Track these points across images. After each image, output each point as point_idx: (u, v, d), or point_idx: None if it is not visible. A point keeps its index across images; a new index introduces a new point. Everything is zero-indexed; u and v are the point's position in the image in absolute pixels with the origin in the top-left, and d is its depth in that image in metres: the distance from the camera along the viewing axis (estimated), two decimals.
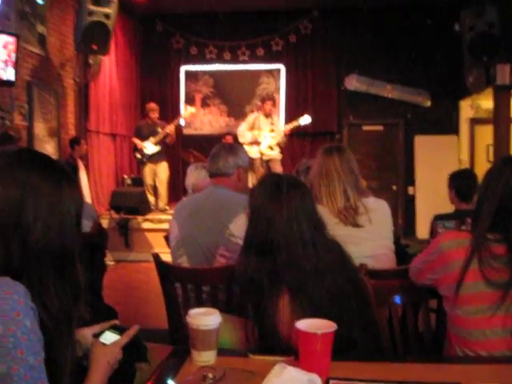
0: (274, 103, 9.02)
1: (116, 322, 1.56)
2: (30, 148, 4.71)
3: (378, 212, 2.69)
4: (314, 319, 1.56)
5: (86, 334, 1.48)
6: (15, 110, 6.35)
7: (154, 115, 8.57)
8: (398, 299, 2.07)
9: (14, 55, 5.80)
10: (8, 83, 5.89)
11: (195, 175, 4.09)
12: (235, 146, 3.04)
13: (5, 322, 1.08)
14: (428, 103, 9.77)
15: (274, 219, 1.71)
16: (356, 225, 2.59)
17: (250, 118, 8.52)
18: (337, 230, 2.55)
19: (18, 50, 5.92)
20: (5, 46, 5.71)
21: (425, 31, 9.35)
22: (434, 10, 8.96)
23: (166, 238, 3.31)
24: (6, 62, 5.72)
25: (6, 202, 1.20)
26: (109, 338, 1.48)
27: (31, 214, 1.21)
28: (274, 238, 1.70)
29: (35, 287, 1.17)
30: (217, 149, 2.94)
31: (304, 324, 1.53)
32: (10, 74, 5.80)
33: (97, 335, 1.49)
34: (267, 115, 8.37)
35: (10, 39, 5.80)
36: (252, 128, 8.31)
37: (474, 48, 6.74)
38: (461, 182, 3.69)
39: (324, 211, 2.60)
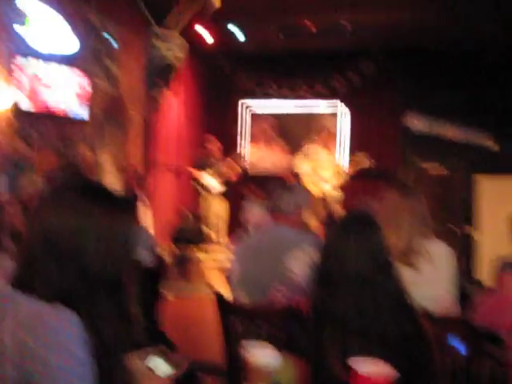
0: (334, 138, 8.99)
1: (163, 347, 1.56)
2: (89, 178, 4.91)
3: (440, 256, 2.67)
4: (370, 359, 1.54)
5: (135, 360, 1.46)
6: (84, 143, 6.62)
7: (214, 149, 8.74)
8: (458, 345, 2.01)
9: (87, 92, 6.10)
10: (81, 119, 6.18)
11: (252, 211, 4.15)
12: (296, 186, 3.11)
13: (59, 353, 1.13)
14: (493, 145, 9.56)
15: (338, 253, 1.73)
16: (415, 266, 2.56)
17: (309, 150, 8.54)
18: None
19: (91, 87, 6.21)
20: (79, 84, 6.02)
21: (494, 73, 9.22)
22: (502, 51, 8.86)
23: (228, 278, 3.36)
24: (80, 98, 6.01)
25: (63, 229, 1.28)
26: (157, 365, 1.46)
27: (87, 241, 1.27)
28: (335, 270, 1.72)
29: (89, 314, 1.22)
30: (278, 187, 3.00)
31: (361, 364, 1.51)
32: (82, 110, 6.09)
33: (142, 358, 1.47)
34: (329, 153, 8.37)
35: (85, 77, 6.11)
36: (307, 158, 8.31)
37: None
38: None
39: None
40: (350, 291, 1.68)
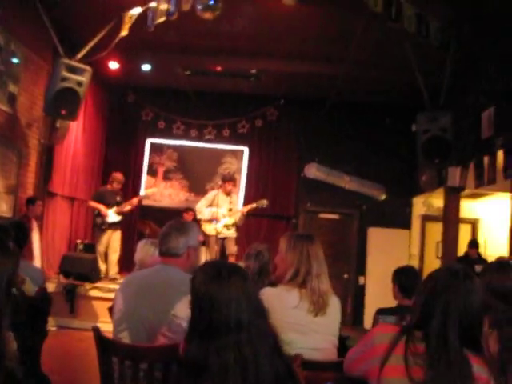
0: (235, 184, 9.18)
1: None
2: None
3: (332, 306, 2.79)
4: None
5: None
6: None
7: (119, 186, 8.66)
8: None
9: None
10: None
11: (144, 251, 4.07)
12: (186, 226, 3.03)
13: None
14: (383, 197, 10.10)
15: (214, 303, 1.75)
16: (322, 312, 2.68)
17: (210, 195, 8.62)
18: (292, 315, 2.66)
19: None
20: None
21: (384, 128, 9.83)
22: (395, 110, 9.46)
23: (110, 310, 3.27)
24: None
25: None
26: None
27: None
28: (213, 321, 1.74)
29: None
30: (168, 228, 2.93)
31: None
32: None
33: None
34: (227, 194, 8.50)
35: None
36: (210, 205, 8.40)
37: (428, 150, 7.07)
38: (403, 277, 3.79)
39: (290, 294, 2.70)
40: (228, 343, 1.70)
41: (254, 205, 8.54)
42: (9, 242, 2.07)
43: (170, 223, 3.00)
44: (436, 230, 9.14)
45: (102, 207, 8.45)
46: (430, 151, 7.08)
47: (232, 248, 8.42)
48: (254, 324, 1.75)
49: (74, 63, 6.97)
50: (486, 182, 6.81)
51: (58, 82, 6.86)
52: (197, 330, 1.77)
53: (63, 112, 7.07)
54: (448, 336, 1.76)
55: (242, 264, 4.58)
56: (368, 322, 9.09)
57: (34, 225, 7.45)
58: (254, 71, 8.92)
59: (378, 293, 8.83)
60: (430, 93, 7.36)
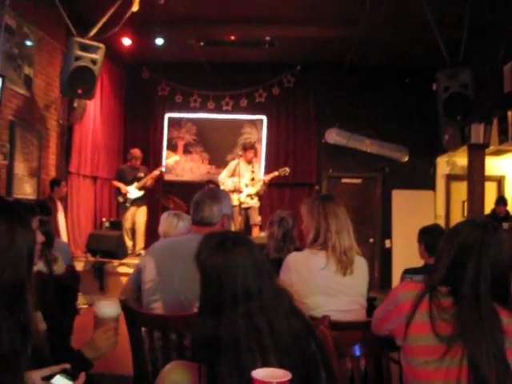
0: (256, 153, 9.15)
1: (66, 365, 1.54)
2: None
3: (359, 267, 2.77)
4: (270, 368, 1.59)
5: (34, 376, 1.45)
6: None
7: (137, 162, 8.71)
8: (357, 351, 2.09)
9: None
10: None
11: (168, 222, 4.07)
12: (219, 194, 2.95)
13: None
14: (406, 158, 9.98)
15: (221, 274, 1.72)
16: (349, 271, 2.67)
17: (231, 165, 8.61)
18: (319, 277, 2.65)
19: (3, 90, 6.00)
20: None
21: (404, 89, 9.66)
22: (414, 70, 9.28)
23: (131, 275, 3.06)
24: None
25: None
26: (59, 382, 1.45)
27: None
28: (221, 293, 1.72)
29: None
30: (201, 196, 2.83)
31: (260, 374, 1.55)
32: None
33: (46, 378, 1.46)
34: (249, 163, 8.48)
35: None
36: (232, 175, 8.40)
37: (449, 108, 6.94)
38: (430, 236, 3.77)
39: (316, 257, 2.69)
40: (236, 314, 1.68)
41: (276, 173, 8.52)
42: (31, 218, 2.08)
43: (202, 192, 2.91)
44: (461, 190, 9.03)
45: (121, 185, 8.53)
46: (451, 109, 6.95)
47: (256, 218, 8.44)
48: (264, 290, 1.73)
49: (86, 41, 6.94)
50: (510, 137, 6.68)
51: (73, 62, 6.85)
52: (207, 304, 1.76)
53: (79, 91, 7.07)
54: (480, 289, 1.74)
55: (266, 232, 4.59)
56: (396, 284, 9.07)
57: (59, 206, 7.53)
58: (268, 38, 8.79)
59: (405, 255, 8.78)
60: (448, 50, 7.18)
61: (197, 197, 2.85)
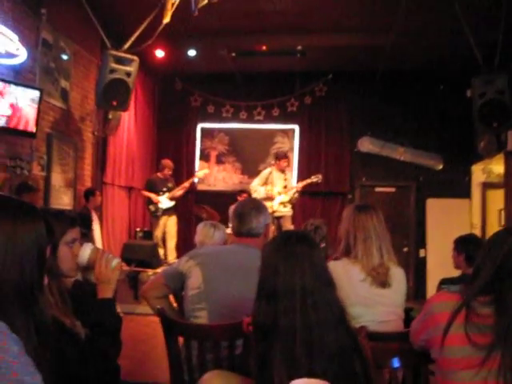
0: (289, 161, 9.16)
1: None
2: None
3: (396, 277, 2.74)
4: (309, 379, 1.58)
5: None
6: (34, 161, 6.53)
7: (169, 172, 8.80)
8: (395, 362, 2.06)
9: (36, 108, 6.02)
10: (30, 135, 6.08)
11: (204, 233, 4.07)
12: (261, 204, 2.91)
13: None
14: (440, 167, 9.85)
15: (278, 268, 1.76)
16: (384, 284, 2.64)
17: (264, 173, 8.63)
18: (359, 288, 2.63)
19: (41, 103, 6.14)
20: (29, 99, 5.94)
21: (438, 96, 9.55)
22: (447, 76, 9.17)
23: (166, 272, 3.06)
24: (28, 114, 5.93)
25: None
26: None
27: None
28: (277, 285, 1.75)
29: (3, 321, 1.21)
30: (244, 208, 2.79)
31: (300, 382, 1.55)
32: (31, 126, 6.01)
33: None
34: (281, 171, 8.50)
35: (35, 93, 6.03)
36: (265, 183, 8.41)
37: (485, 114, 6.82)
38: (470, 246, 3.71)
39: (354, 267, 2.67)
40: (294, 306, 1.71)
41: (308, 180, 8.50)
42: (71, 228, 2.12)
43: (244, 203, 2.90)
44: (497, 198, 8.84)
45: (152, 195, 8.62)
46: (487, 115, 6.83)
47: (288, 226, 8.41)
48: (318, 291, 1.74)
49: (121, 54, 7.05)
50: None
51: (107, 74, 6.96)
52: (263, 292, 1.79)
53: (114, 103, 7.18)
54: None
55: None
56: (431, 294, 8.93)
57: (95, 216, 7.65)
58: (299, 48, 8.80)
59: (440, 265, 8.62)
60: (483, 55, 7.08)
61: (240, 208, 2.81)
